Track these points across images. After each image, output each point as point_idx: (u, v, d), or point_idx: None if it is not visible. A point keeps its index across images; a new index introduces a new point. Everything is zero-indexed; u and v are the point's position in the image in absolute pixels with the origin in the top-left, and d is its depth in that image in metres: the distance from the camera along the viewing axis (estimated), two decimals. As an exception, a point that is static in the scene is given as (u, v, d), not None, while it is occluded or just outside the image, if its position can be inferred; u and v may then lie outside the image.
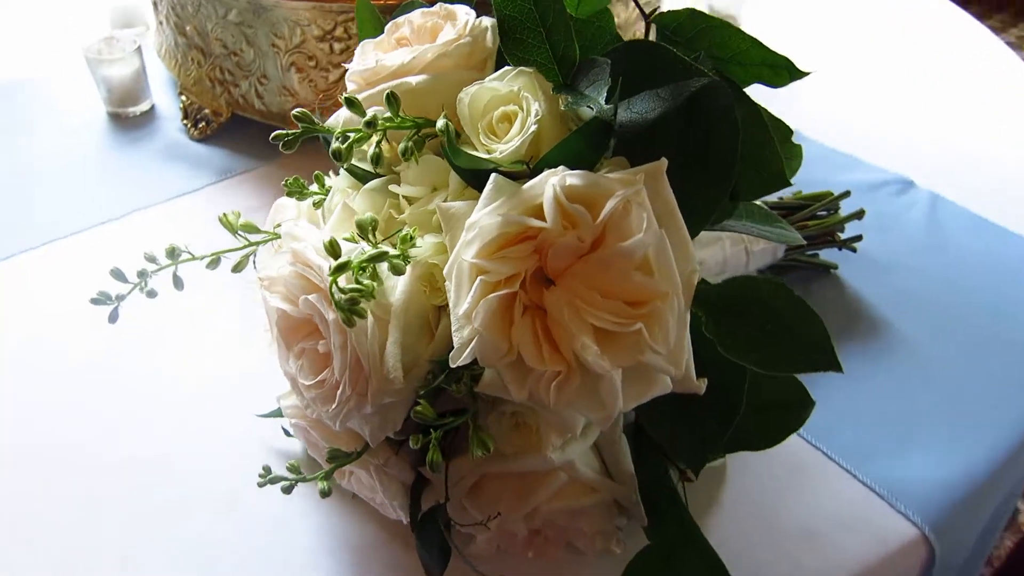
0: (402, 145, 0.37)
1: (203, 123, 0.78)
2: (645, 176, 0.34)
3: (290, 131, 0.34)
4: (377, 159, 0.36)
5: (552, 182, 0.33)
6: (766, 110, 0.42)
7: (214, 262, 0.43)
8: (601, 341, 0.33)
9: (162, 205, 0.72)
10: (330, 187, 0.44)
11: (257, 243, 0.43)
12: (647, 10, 0.41)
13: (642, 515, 0.42)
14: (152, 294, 0.42)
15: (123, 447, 0.52)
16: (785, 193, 0.64)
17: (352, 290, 0.32)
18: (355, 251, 0.35)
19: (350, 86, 0.42)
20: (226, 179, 0.74)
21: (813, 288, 0.64)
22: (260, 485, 0.39)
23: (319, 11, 0.67)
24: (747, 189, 0.38)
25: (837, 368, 0.34)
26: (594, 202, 0.33)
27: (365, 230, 0.33)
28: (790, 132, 0.43)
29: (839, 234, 0.63)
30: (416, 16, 0.43)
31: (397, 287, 0.36)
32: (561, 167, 0.34)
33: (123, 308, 0.43)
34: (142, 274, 0.42)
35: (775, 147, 0.37)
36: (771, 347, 0.34)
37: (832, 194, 0.64)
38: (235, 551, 0.46)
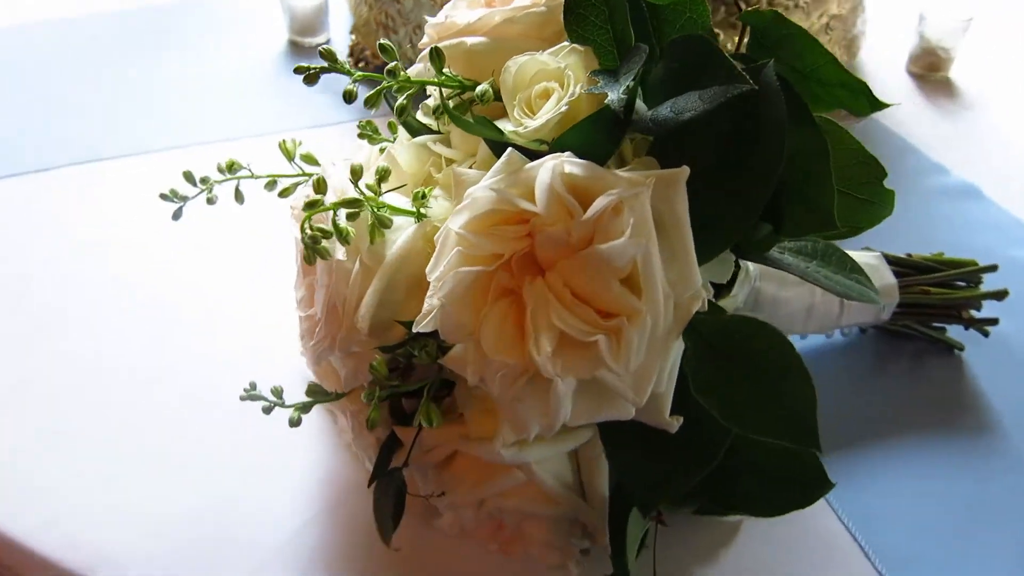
0: (436, 102, 0.36)
1: (362, 63, 0.81)
2: (659, 182, 0.31)
3: (312, 66, 0.34)
4: (401, 111, 0.35)
5: (548, 166, 0.31)
6: (860, 144, 0.37)
7: (271, 184, 0.45)
8: (561, 345, 0.31)
9: (304, 131, 0.76)
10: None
11: (311, 174, 0.44)
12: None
13: (607, 543, 0.39)
14: (212, 201, 0.45)
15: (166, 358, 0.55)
16: (920, 251, 0.57)
17: (319, 228, 0.32)
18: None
19: (425, 38, 0.42)
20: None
21: (928, 363, 0.56)
22: (242, 399, 0.40)
23: (475, -30, 0.67)
24: (791, 224, 0.33)
25: (816, 447, 0.29)
26: (593, 196, 0.31)
27: (357, 176, 0.33)
28: (883, 174, 0.37)
29: (971, 312, 0.54)
30: (507, -21, 0.41)
31: (396, 241, 0.36)
32: (567, 153, 0.32)
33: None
34: (204, 180, 0.44)
35: (830, 182, 0.32)
36: (745, 401, 0.30)
37: (976, 264, 0.55)
38: (234, 465, 0.48)
